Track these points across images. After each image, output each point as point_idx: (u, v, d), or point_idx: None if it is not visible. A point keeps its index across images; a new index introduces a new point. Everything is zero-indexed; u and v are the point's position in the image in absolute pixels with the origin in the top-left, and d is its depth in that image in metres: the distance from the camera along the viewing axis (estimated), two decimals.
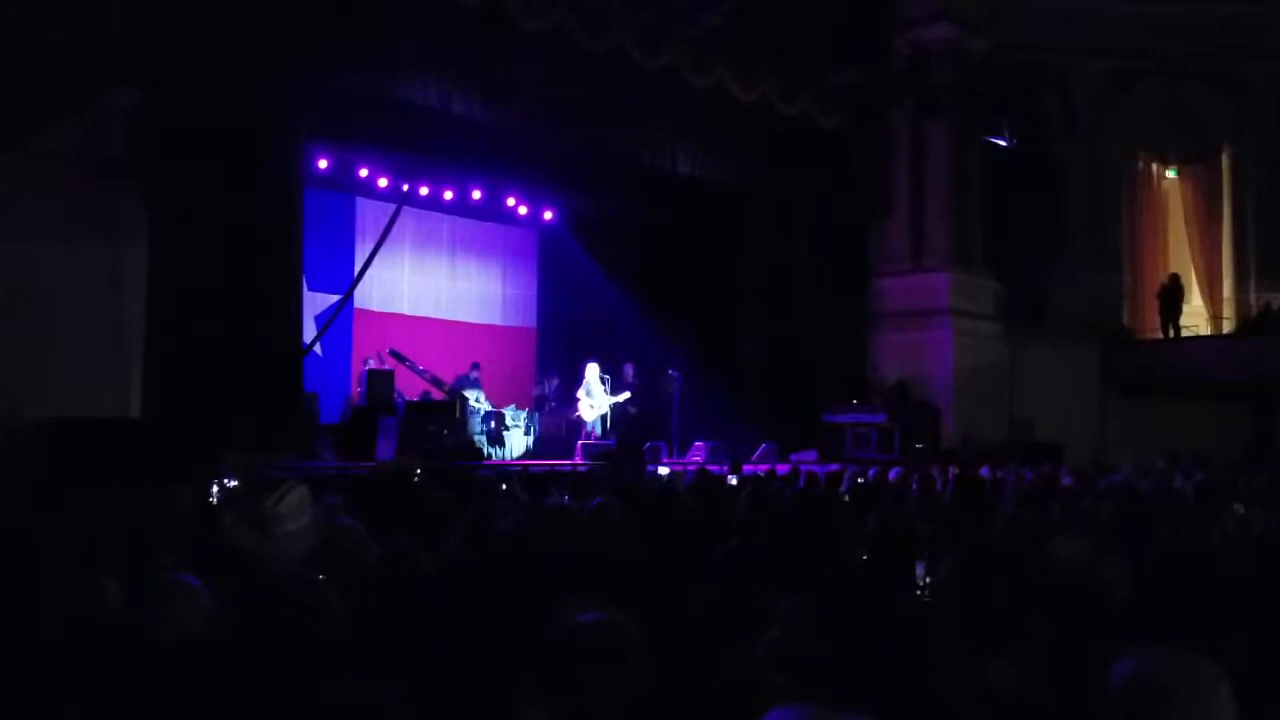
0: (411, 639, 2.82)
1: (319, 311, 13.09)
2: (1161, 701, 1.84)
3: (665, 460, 12.32)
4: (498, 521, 4.70)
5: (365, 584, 3.08)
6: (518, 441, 14.08)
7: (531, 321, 16.83)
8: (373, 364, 13.01)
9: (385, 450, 10.70)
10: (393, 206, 13.60)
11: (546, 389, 15.18)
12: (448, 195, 14.63)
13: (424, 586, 3.20)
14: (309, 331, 12.02)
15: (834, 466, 10.90)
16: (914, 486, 7.86)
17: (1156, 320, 17.07)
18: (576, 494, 6.30)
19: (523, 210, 15.66)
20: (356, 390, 13.11)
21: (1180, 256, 17.73)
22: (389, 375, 12.49)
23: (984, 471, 9.70)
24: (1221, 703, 1.84)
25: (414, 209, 14.52)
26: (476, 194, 14.77)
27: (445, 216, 15.44)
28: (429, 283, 15.53)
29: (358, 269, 13.51)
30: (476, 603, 3.17)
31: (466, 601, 3.17)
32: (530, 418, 14.48)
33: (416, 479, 6.21)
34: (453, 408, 12.48)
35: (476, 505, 5.36)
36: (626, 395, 14.01)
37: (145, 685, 2.32)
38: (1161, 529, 4.50)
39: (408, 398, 12.88)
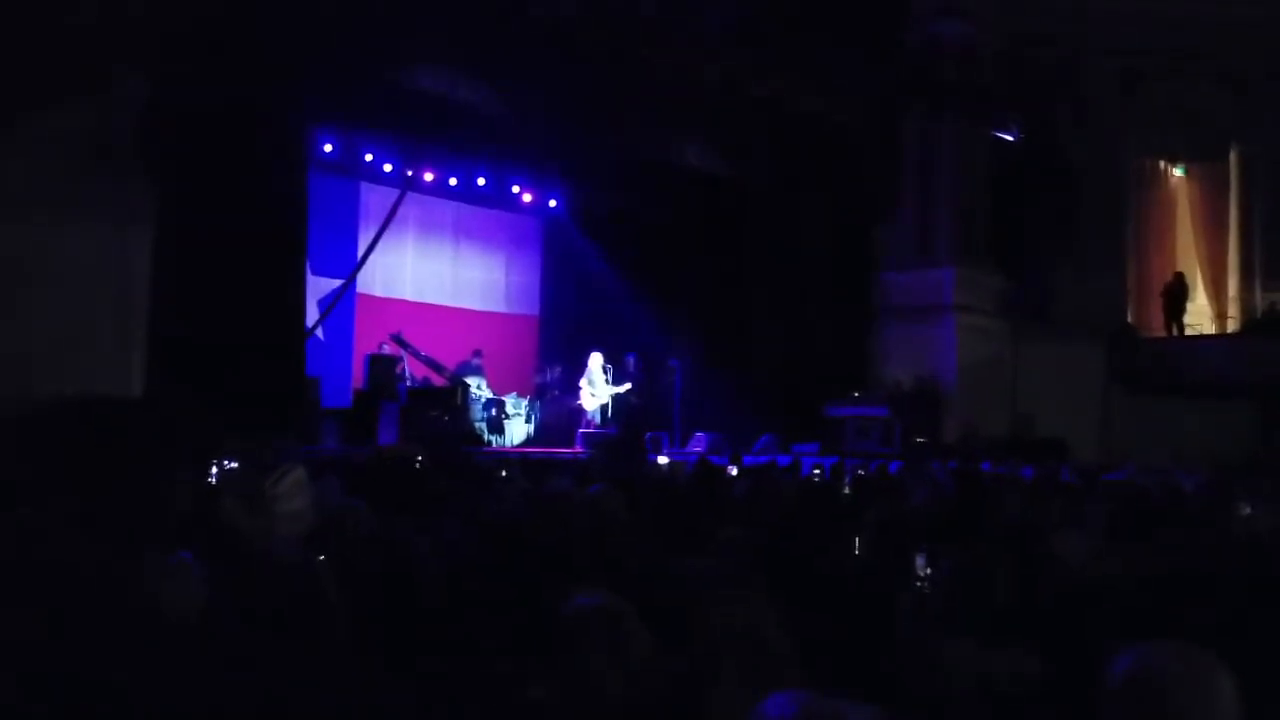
0: (409, 623, 2.81)
1: (321, 296, 13.08)
2: (1162, 695, 1.82)
3: (666, 450, 12.33)
4: (497, 507, 4.69)
5: (363, 566, 3.07)
6: (518, 429, 14.09)
7: (534, 309, 16.81)
8: (387, 349, 13.00)
9: (386, 435, 10.71)
10: (397, 192, 13.60)
11: (548, 377, 15.17)
12: (452, 181, 14.60)
13: (422, 571, 3.19)
14: (311, 315, 12.01)
15: (834, 459, 10.91)
16: (914, 480, 7.82)
17: (1161, 319, 17.05)
18: (578, 481, 6.28)
19: (527, 198, 15.62)
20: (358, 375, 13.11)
21: (1186, 255, 17.70)
22: (391, 361, 12.48)
23: (984, 466, 9.69)
24: (1223, 698, 1.82)
25: (418, 194, 14.50)
26: (481, 181, 14.74)
27: (449, 203, 15.40)
28: (432, 269, 15.51)
29: (361, 254, 13.49)
30: (475, 586, 3.16)
31: (465, 585, 3.16)
32: (531, 406, 14.48)
33: (418, 464, 6.21)
34: (454, 394, 12.49)
35: (476, 491, 5.36)
36: (628, 385, 14.01)
37: (140, 662, 2.31)
38: (1164, 526, 4.48)
39: (418, 380, 12.89)
